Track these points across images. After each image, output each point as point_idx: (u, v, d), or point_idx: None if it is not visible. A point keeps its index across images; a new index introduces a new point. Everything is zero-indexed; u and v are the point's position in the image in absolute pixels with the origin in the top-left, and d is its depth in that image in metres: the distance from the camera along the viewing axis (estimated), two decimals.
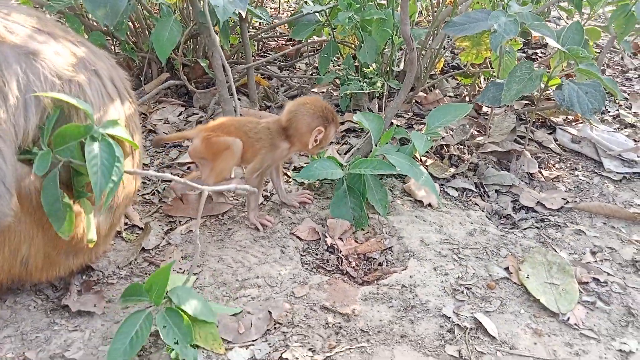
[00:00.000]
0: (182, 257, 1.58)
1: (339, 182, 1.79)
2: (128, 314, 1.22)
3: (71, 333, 1.29)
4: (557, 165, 2.17)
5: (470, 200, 1.93)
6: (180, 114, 2.51)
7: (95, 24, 2.45)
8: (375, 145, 1.87)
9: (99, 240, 1.37)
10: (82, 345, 1.26)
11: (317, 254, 1.64)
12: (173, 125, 2.38)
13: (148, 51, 2.62)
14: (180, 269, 1.53)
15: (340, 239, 1.69)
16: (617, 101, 2.77)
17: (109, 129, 1.18)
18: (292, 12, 4.12)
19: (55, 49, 1.21)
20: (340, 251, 1.64)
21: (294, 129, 1.67)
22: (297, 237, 1.68)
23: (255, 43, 3.40)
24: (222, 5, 1.92)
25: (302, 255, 1.62)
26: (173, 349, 1.20)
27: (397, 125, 2.27)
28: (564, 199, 1.92)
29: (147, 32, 2.67)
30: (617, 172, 2.10)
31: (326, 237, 1.67)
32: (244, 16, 2.02)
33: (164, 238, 1.64)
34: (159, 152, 2.20)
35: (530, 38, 3.58)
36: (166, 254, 1.58)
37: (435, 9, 2.72)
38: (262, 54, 3.48)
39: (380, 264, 1.62)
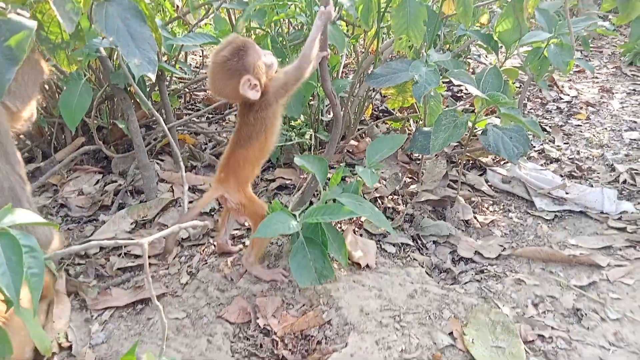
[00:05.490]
0: None
1: (294, 235, 1.65)
2: None
3: None
4: (490, 209, 2.16)
5: (409, 255, 1.86)
6: (96, 183, 2.31)
7: None
8: (324, 189, 1.76)
9: None
10: None
11: (249, 339, 1.49)
12: (88, 197, 2.18)
13: (59, 116, 2.42)
14: None
15: (274, 316, 1.56)
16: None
17: (8, 218, 0.95)
18: None
19: None
20: (275, 332, 1.50)
21: (226, 96, 1.50)
22: (226, 320, 1.52)
23: (183, 95, 3.27)
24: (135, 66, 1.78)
25: (232, 342, 1.47)
26: None
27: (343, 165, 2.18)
28: (501, 246, 1.89)
29: (57, 95, 2.48)
30: (549, 211, 2.11)
31: (258, 317, 1.53)
32: (153, 80, 1.89)
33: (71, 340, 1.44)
34: (71, 229, 1.99)
35: None
36: None
37: (361, 55, 2.72)
38: (190, 106, 3.35)
39: (319, 342, 1.49)
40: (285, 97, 1.55)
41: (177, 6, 2.77)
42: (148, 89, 2.42)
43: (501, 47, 2.36)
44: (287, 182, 2.29)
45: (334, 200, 1.70)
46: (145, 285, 1.65)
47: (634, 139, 2.76)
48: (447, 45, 3.30)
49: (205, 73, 3.36)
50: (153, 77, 1.36)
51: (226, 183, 1.57)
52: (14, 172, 1.31)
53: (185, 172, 2.41)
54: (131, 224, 1.98)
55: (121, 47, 1.34)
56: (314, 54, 1.53)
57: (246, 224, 2.00)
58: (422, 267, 1.80)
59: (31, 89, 1.43)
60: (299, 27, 2.70)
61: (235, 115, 3.12)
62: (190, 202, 2.12)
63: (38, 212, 1.38)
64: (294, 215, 1.60)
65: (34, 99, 1.44)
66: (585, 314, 1.55)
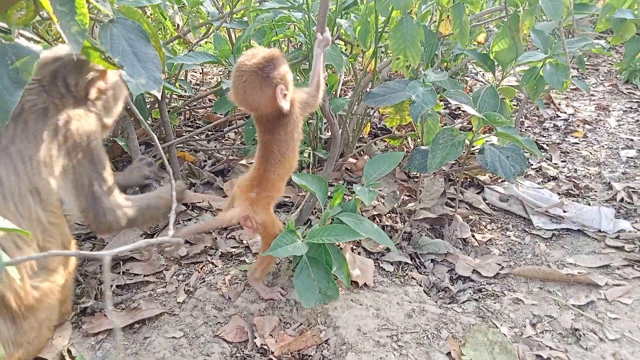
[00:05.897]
0: None
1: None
2: None
3: None
4: (488, 227, 2.17)
5: (407, 274, 1.86)
6: None
7: None
8: (324, 208, 1.77)
9: None
10: None
11: (246, 358, 1.48)
12: None
13: None
14: None
15: (271, 335, 1.55)
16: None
17: None
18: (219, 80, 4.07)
19: None
20: (272, 352, 1.49)
21: (257, 106, 1.41)
22: (224, 339, 1.52)
23: (183, 112, 3.30)
24: (135, 85, 1.81)
25: None
26: None
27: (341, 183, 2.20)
28: (499, 264, 1.89)
29: None
30: (546, 229, 2.11)
31: (255, 337, 1.52)
32: (159, 97, 1.91)
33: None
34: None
35: None
36: None
37: (359, 73, 2.75)
38: (190, 123, 3.38)
39: None
40: (305, 114, 1.56)
41: (178, 25, 2.81)
42: (148, 106, 2.44)
43: (498, 66, 2.39)
44: (286, 199, 2.29)
45: (333, 219, 1.71)
46: (105, 297, 1.67)
47: (631, 157, 2.77)
48: (445, 64, 3.34)
49: (206, 90, 3.40)
50: (159, 95, 1.37)
51: (257, 203, 1.52)
52: (97, 173, 1.43)
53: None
54: (140, 235, 1.98)
55: (127, 67, 1.36)
56: (322, 78, 1.56)
57: (244, 241, 2.01)
58: (420, 286, 1.80)
59: (119, 104, 1.59)
60: (298, 45, 2.74)
61: (235, 132, 3.14)
62: (189, 219, 2.13)
63: (124, 209, 1.49)
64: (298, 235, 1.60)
65: (119, 113, 1.62)
66: (584, 334, 1.54)
